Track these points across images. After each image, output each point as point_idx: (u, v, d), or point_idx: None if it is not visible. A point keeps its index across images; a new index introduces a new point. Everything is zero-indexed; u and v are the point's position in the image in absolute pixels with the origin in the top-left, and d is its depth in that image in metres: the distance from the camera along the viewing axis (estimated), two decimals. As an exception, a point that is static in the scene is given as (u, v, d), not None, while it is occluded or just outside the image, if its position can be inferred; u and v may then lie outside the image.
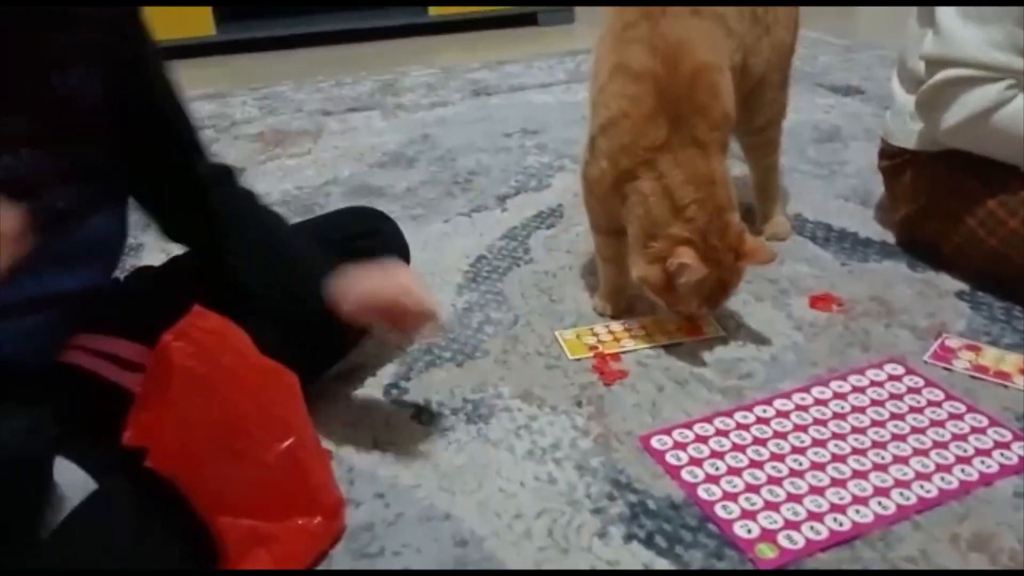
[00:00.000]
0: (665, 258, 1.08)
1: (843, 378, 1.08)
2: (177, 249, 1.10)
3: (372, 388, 1.13)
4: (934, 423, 0.99)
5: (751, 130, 1.42)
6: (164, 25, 3.50)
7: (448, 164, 1.97)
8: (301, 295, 0.96)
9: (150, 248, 1.59)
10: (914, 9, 1.36)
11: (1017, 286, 1.23)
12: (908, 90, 1.38)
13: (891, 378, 1.08)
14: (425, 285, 0.99)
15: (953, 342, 1.15)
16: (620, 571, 0.82)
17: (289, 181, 1.91)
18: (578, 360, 1.16)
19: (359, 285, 0.95)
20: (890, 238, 1.46)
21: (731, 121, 1.19)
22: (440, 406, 1.09)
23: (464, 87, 2.63)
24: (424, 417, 1.07)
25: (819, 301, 1.27)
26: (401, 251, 1.17)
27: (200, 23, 3.25)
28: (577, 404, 1.07)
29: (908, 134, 1.38)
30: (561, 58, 2.92)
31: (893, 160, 1.44)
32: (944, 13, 1.19)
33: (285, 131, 2.29)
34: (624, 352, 1.17)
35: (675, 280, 1.08)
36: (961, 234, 1.29)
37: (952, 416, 1.00)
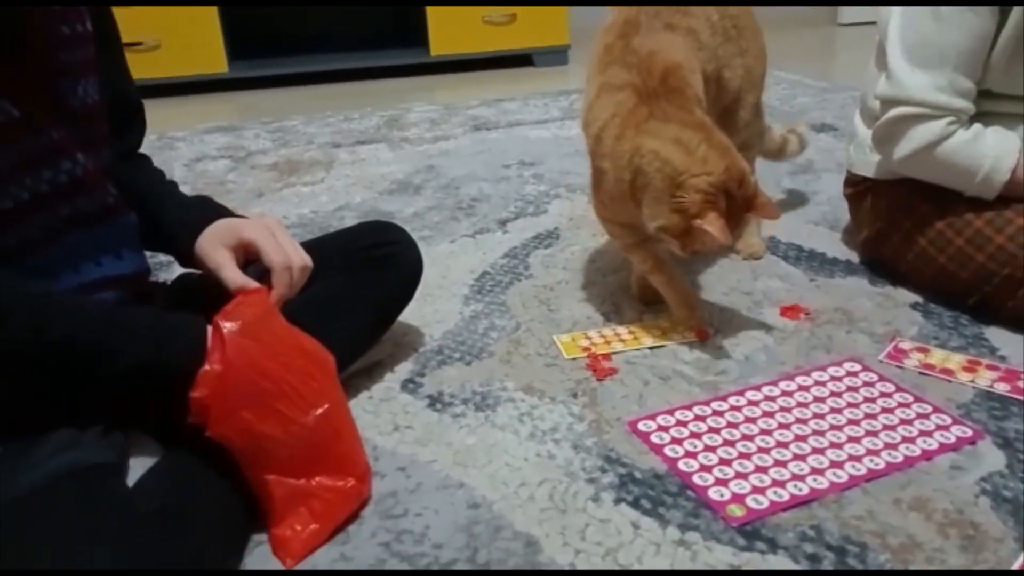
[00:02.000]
0: (690, 211, 1.15)
1: (807, 374, 1.23)
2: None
3: (390, 382, 1.27)
4: (884, 410, 1.14)
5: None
6: (179, 62, 3.71)
7: (452, 192, 2.13)
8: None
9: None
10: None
11: (963, 298, 1.39)
12: (867, 125, 1.55)
13: (849, 374, 1.23)
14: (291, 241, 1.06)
15: (905, 344, 1.30)
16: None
17: (305, 206, 2.06)
18: (573, 359, 1.31)
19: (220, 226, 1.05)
20: (854, 257, 1.62)
21: (703, 105, 1.30)
22: (452, 397, 1.22)
23: (465, 122, 2.80)
24: (438, 405, 1.20)
25: (788, 311, 1.42)
26: (415, 262, 1.30)
27: (214, 60, 3.42)
28: (573, 395, 1.22)
29: (868, 164, 1.55)
30: (556, 96, 3.10)
31: (856, 187, 1.60)
32: (895, 60, 1.36)
33: (298, 161, 2.45)
34: (614, 353, 1.32)
35: (696, 238, 1.18)
36: (915, 252, 1.45)
37: (900, 405, 1.15)
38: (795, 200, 1.94)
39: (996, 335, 1.32)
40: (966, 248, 1.36)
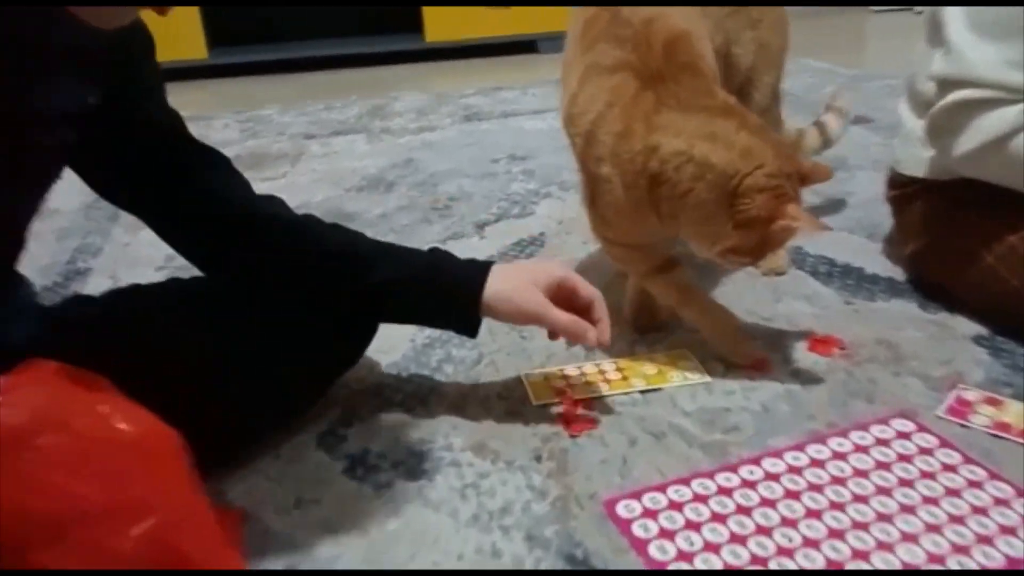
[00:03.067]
0: (762, 217, 0.92)
1: (844, 435, 0.94)
2: (125, 280, 0.99)
3: (308, 434, 1.00)
4: (950, 492, 0.85)
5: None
6: (157, 48, 3.44)
7: (429, 189, 1.86)
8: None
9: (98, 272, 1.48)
10: (923, 29, 1.24)
11: (1042, 331, 1.09)
12: (918, 114, 1.25)
13: (899, 436, 0.94)
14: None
15: (970, 394, 1.00)
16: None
17: (258, 205, 1.79)
18: (543, 406, 1.03)
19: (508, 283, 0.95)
20: (899, 275, 1.33)
21: (718, 79, 1.06)
22: (380, 458, 0.95)
23: (456, 112, 2.53)
24: (359, 470, 0.93)
25: (819, 344, 1.13)
26: None
27: (192, 46, 3.18)
28: (536, 459, 0.94)
29: (918, 162, 1.25)
30: (558, 84, 2.81)
31: (902, 190, 1.30)
32: (955, 29, 1.07)
33: (263, 154, 2.19)
34: (596, 397, 1.04)
35: (774, 242, 0.96)
36: (978, 271, 1.15)
37: (971, 483, 0.86)
38: (825, 203, 1.64)
39: (1089, 382, 1.03)
40: (1048, 268, 1.07)
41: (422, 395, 1.07)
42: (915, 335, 1.15)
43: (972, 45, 1.05)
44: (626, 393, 1.05)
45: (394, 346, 1.18)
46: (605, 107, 1.00)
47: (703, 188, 0.94)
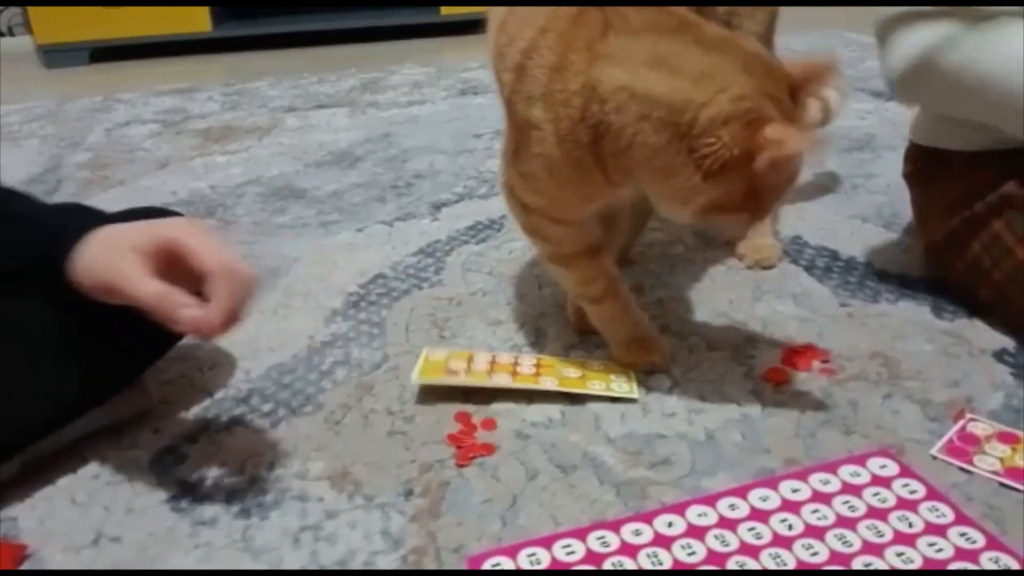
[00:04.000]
0: (735, 155, 0.69)
1: (802, 477, 0.72)
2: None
3: (143, 449, 0.82)
4: (930, 563, 0.62)
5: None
6: (160, 21, 3.31)
7: (396, 166, 1.67)
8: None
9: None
10: None
11: (1084, 347, 0.85)
12: None
13: (875, 481, 0.71)
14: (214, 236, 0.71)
15: (980, 427, 0.77)
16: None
17: (207, 179, 1.64)
18: (429, 415, 0.83)
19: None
20: (914, 271, 1.09)
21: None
22: (215, 485, 0.77)
23: (452, 86, 2.34)
24: (185, 501, 0.75)
25: (794, 356, 0.91)
26: None
27: (195, 19, 3.03)
28: (406, 494, 0.74)
29: (938, 129, 1.02)
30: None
31: (918, 164, 1.07)
32: None
33: (235, 127, 2.03)
34: (493, 388, 0.84)
35: (770, 187, 0.72)
36: (1007, 269, 0.92)
37: (961, 552, 0.63)
38: (841, 186, 1.40)
39: None
40: (1094, 267, 0.83)
41: (295, 405, 0.88)
42: (921, 347, 0.92)
43: None
44: (536, 390, 0.84)
45: (286, 343, 1.00)
46: (538, 33, 0.78)
47: (650, 131, 0.71)
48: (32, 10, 2.80)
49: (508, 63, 0.81)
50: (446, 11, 3.13)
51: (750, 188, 0.70)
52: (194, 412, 0.87)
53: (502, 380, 0.85)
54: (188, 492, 0.76)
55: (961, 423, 0.78)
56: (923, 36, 0.88)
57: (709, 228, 0.75)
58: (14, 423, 0.73)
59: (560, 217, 0.87)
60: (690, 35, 0.73)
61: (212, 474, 0.78)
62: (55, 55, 2.86)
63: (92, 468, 0.79)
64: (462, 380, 0.85)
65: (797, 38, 2.44)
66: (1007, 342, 0.92)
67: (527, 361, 0.90)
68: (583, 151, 0.76)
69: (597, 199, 0.84)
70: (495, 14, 0.87)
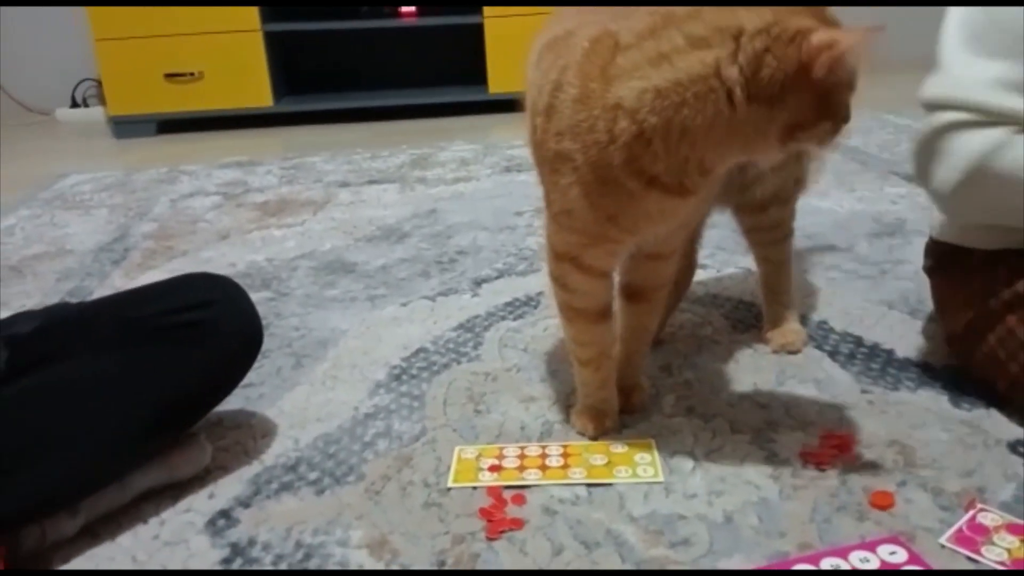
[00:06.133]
0: (796, 74, 0.71)
1: (813, 561, 0.76)
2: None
3: (199, 512, 0.89)
4: (933, 651, 0.66)
5: (750, 206, 1.12)
6: (225, 96, 3.49)
7: (441, 241, 1.76)
8: None
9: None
10: None
11: (1096, 442, 0.88)
12: None
13: (884, 567, 0.75)
14: None
15: (990, 517, 0.80)
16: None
17: (264, 252, 1.74)
18: (464, 489, 0.89)
19: None
20: (936, 360, 1.12)
21: None
22: (265, 549, 0.83)
23: (498, 163, 2.44)
24: (236, 563, 0.81)
25: (817, 442, 0.95)
26: (238, 333, 0.94)
27: (258, 94, 3.20)
28: (440, 564, 0.80)
29: (958, 226, 1.06)
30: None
31: (939, 259, 1.11)
32: (950, 47, 0.92)
33: (291, 201, 2.14)
34: (527, 486, 0.89)
35: (832, 88, 0.74)
36: (1022, 361, 0.95)
37: (963, 642, 0.66)
38: (869, 271, 1.45)
39: None
40: (1103, 364, 0.86)
41: (340, 474, 0.94)
42: (938, 436, 0.95)
43: (965, 63, 0.90)
44: (566, 484, 0.89)
45: (333, 413, 1.07)
46: (560, 72, 0.82)
47: (696, 108, 0.75)
48: (106, 83, 2.99)
49: (539, 107, 0.86)
50: (494, 89, 3.26)
51: (817, 97, 0.74)
52: (247, 478, 0.94)
53: (532, 477, 0.91)
54: (239, 554, 0.82)
55: (971, 513, 0.81)
56: (978, 143, 0.88)
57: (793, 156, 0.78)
58: (75, 471, 0.81)
59: (588, 263, 0.91)
60: (673, 19, 0.77)
61: (261, 538, 0.84)
62: (125, 126, 3.05)
63: (152, 528, 0.86)
64: (495, 481, 0.90)
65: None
66: (1022, 433, 0.95)
67: (555, 451, 0.95)
68: (619, 172, 0.80)
69: (631, 225, 0.86)
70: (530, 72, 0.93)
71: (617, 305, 1.00)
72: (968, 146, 0.89)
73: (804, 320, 1.25)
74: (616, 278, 0.99)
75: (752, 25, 0.73)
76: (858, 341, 1.19)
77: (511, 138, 2.75)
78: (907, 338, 1.19)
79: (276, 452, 0.99)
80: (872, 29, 0.71)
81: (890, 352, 1.16)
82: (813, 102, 0.75)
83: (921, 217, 1.68)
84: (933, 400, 1.03)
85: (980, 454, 0.92)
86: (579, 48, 0.82)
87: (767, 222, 1.14)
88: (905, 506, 0.84)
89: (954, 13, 0.93)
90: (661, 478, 0.90)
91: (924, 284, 1.30)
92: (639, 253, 0.95)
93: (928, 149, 0.93)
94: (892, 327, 1.23)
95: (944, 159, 0.91)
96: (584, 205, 0.84)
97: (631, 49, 0.79)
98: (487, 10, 3.05)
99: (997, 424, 0.97)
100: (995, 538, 0.78)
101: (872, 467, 0.90)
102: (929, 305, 1.26)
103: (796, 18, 0.73)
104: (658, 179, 0.80)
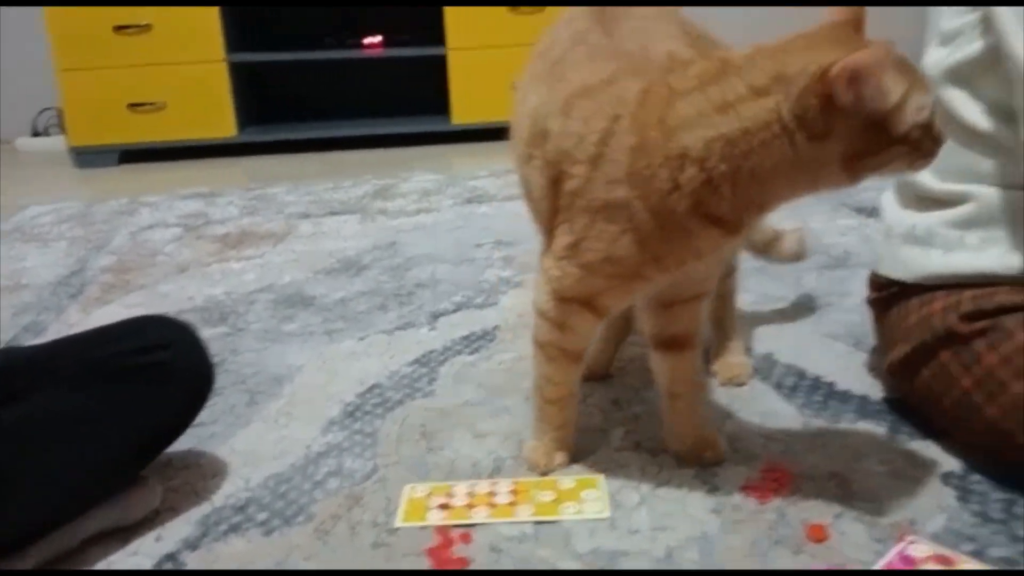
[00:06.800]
0: (824, 99, 0.74)
1: (749, 595, 0.78)
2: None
3: (144, 556, 0.89)
4: None
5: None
6: (188, 126, 3.49)
7: (400, 274, 1.77)
8: None
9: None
10: None
11: (1020, 472, 0.91)
12: (905, 206, 1.12)
13: (817, 601, 0.77)
14: None
15: (920, 549, 0.83)
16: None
17: (222, 286, 1.74)
18: (412, 528, 0.90)
19: None
20: (876, 392, 1.16)
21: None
22: (211, 592, 0.83)
23: (460, 194, 2.46)
24: (181, 606, 0.81)
25: (759, 475, 0.97)
26: (192, 373, 0.95)
27: (222, 124, 3.21)
28: (385, 603, 0.80)
29: (897, 261, 1.10)
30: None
31: (880, 292, 1.15)
32: None
33: (252, 233, 2.14)
34: (474, 525, 0.90)
35: (860, 109, 0.75)
36: (954, 396, 0.98)
37: (890, 674, 0.69)
38: (815, 303, 1.49)
39: (1074, 541, 0.84)
40: (1028, 398, 0.89)
41: (289, 515, 0.95)
42: (874, 469, 0.98)
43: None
44: (512, 522, 0.91)
45: (285, 451, 1.08)
46: (611, 122, 0.83)
47: (764, 154, 0.77)
48: (68, 112, 2.98)
49: (580, 157, 0.85)
50: (457, 120, 3.30)
51: (863, 123, 0.75)
52: (195, 519, 0.94)
53: (481, 515, 0.92)
54: (185, 598, 0.82)
55: (902, 545, 0.84)
56: None
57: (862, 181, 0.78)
58: (27, 513, 0.81)
59: (604, 304, 0.92)
60: (731, 67, 0.79)
61: (207, 581, 0.85)
62: (86, 156, 3.03)
63: (98, 572, 0.86)
64: (443, 520, 0.91)
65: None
66: (955, 465, 0.98)
67: (504, 488, 0.97)
68: (681, 216, 0.81)
69: (675, 263, 0.87)
70: (546, 111, 0.92)
71: (658, 364, 1.00)
72: None
73: (751, 352, 1.28)
74: (650, 335, 1.00)
75: (794, 69, 0.76)
76: (801, 373, 1.23)
77: (474, 169, 2.78)
78: (850, 370, 1.23)
79: (226, 492, 0.99)
80: (882, 43, 0.74)
81: (832, 384, 1.19)
82: (863, 129, 0.76)
83: (868, 249, 1.73)
84: (871, 432, 1.06)
85: (915, 485, 0.95)
86: (631, 98, 0.83)
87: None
88: (840, 538, 0.86)
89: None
90: (607, 514, 0.91)
91: (869, 316, 1.35)
92: (676, 300, 0.96)
93: None
94: (836, 359, 1.27)
95: None
96: (634, 252, 0.85)
97: (691, 96, 0.80)
98: (450, 42, 3.09)
99: (932, 456, 1.00)
100: (924, 569, 0.80)
101: (811, 500, 0.93)
102: (873, 338, 1.30)
103: (833, 52, 0.75)
104: (721, 218, 0.82)
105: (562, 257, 0.91)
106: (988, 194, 0.99)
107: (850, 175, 0.79)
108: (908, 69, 0.77)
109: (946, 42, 1.03)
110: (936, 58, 1.05)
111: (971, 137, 1.00)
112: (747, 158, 0.78)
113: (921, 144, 0.78)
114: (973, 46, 0.98)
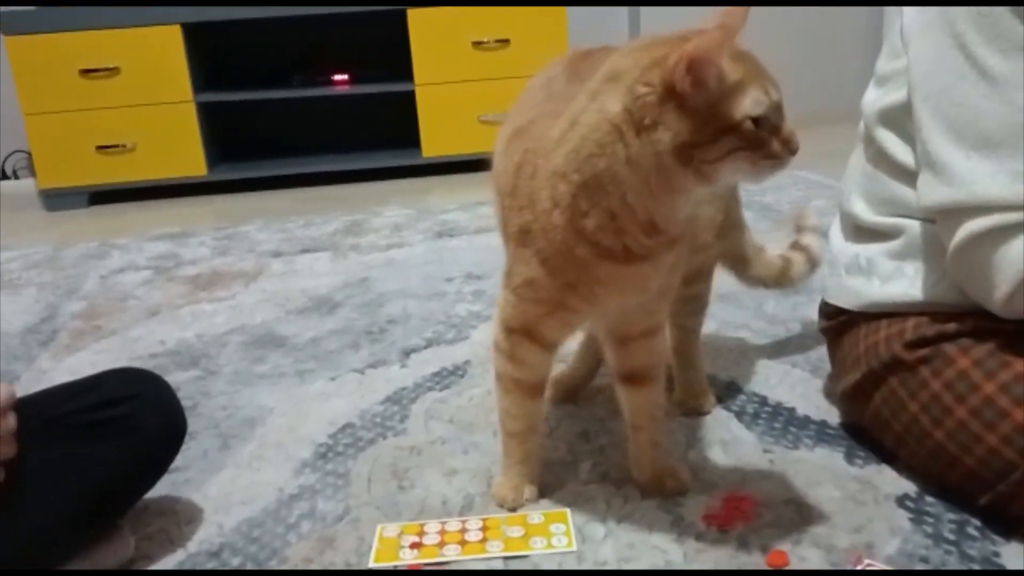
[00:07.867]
0: (665, 86, 0.77)
1: (710, 623, 0.81)
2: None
3: (121, 606, 0.90)
4: None
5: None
6: (157, 166, 3.48)
7: (372, 311, 1.79)
8: None
9: None
10: (855, 139, 1.17)
11: (969, 495, 0.95)
12: (847, 237, 1.17)
13: (775, 626, 0.80)
14: None
15: (875, 572, 0.86)
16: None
17: (194, 328, 1.75)
18: (385, 569, 0.92)
19: None
20: (833, 418, 1.20)
21: None
22: (185, 639, 0.85)
23: (431, 228, 2.49)
24: (155, 655, 0.82)
25: (721, 504, 1.00)
26: (160, 427, 0.96)
27: (192, 163, 3.22)
28: (358, 644, 0.82)
29: (843, 291, 1.15)
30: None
31: (830, 321, 1.19)
32: (938, 147, 0.93)
33: (223, 273, 2.16)
34: (445, 563, 0.92)
35: (701, 99, 0.76)
36: (904, 421, 1.02)
37: None
38: (775, 330, 1.53)
39: (1017, 556, 0.88)
40: (971, 422, 0.94)
41: (262, 559, 0.97)
42: (831, 494, 1.02)
43: (965, 163, 0.90)
44: (483, 557, 0.93)
45: (257, 496, 1.09)
46: (522, 155, 0.90)
47: (600, 155, 0.81)
48: (36, 155, 2.98)
49: (506, 189, 0.93)
50: (428, 153, 3.33)
51: (701, 112, 0.76)
52: (170, 567, 0.96)
53: (452, 552, 0.94)
54: (160, 646, 0.84)
55: (858, 567, 0.87)
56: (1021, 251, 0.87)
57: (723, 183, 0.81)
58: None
59: (543, 333, 0.96)
60: (583, 85, 0.86)
61: (183, 628, 0.86)
62: (56, 199, 3.03)
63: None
64: (415, 559, 0.93)
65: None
66: (909, 487, 1.02)
67: (474, 525, 0.99)
68: (567, 237, 0.85)
69: (589, 293, 0.90)
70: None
71: (622, 396, 1.03)
72: (1014, 258, 0.88)
73: (713, 380, 1.31)
74: (613, 368, 1.03)
75: (624, 66, 0.81)
76: (763, 401, 1.26)
77: (445, 202, 2.81)
78: (807, 396, 1.27)
79: (200, 538, 1.01)
80: (721, 28, 0.75)
81: (792, 411, 1.23)
82: (691, 116, 0.77)
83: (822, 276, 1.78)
84: (828, 457, 1.10)
85: (870, 510, 0.98)
86: (538, 133, 0.90)
87: (689, 295, 1.19)
88: (799, 564, 0.89)
89: (921, 107, 0.95)
90: (574, 547, 0.94)
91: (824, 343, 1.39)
92: (628, 335, 0.99)
93: (974, 261, 0.91)
94: (794, 386, 1.31)
95: (992, 274, 0.90)
96: (543, 273, 0.89)
97: (560, 121, 0.87)
98: (418, 78, 3.13)
99: (886, 479, 1.04)
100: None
101: (770, 527, 0.96)
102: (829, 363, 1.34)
103: (663, 48, 0.78)
104: (603, 246, 0.85)
105: (504, 286, 0.97)
106: (916, 227, 1.04)
107: (692, 171, 0.79)
108: (748, 61, 0.79)
109: (880, 84, 1.09)
110: (871, 98, 1.10)
111: (899, 174, 1.05)
112: (592, 163, 0.82)
113: (762, 143, 0.78)
114: (901, 92, 1.03)
